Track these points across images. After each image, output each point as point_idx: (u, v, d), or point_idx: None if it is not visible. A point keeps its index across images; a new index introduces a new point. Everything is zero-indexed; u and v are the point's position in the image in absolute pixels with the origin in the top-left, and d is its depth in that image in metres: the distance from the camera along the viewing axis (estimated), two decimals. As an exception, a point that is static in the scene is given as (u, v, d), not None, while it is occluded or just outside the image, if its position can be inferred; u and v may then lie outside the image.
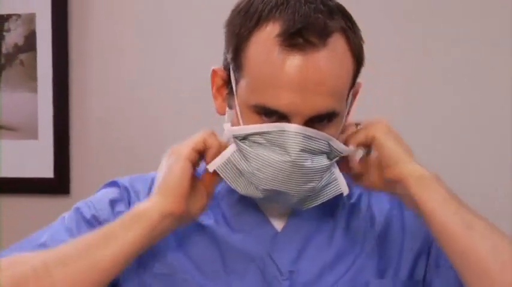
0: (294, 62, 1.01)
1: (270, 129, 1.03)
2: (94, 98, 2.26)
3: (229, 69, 1.10)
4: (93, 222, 1.15)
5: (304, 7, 1.03)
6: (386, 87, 2.06)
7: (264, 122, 1.05)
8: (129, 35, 2.23)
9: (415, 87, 2.06)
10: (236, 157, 1.07)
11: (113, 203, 1.17)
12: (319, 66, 1.02)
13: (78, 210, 1.17)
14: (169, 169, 1.07)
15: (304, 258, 1.14)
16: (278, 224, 1.16)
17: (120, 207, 1.17)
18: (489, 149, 2.02)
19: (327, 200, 1.14)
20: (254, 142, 1.05)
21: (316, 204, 1.11)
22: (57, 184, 2.28)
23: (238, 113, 1.08)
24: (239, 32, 1.06)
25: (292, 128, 1.03)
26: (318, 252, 1.14)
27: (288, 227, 1.15)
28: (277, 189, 1.05)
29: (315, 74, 1.02)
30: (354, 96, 1.14)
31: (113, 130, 2.25)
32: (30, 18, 2.27)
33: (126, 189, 1.19)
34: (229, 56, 1.09)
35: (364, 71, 1.13)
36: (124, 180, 1.21)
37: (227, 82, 1.12)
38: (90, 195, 2.15)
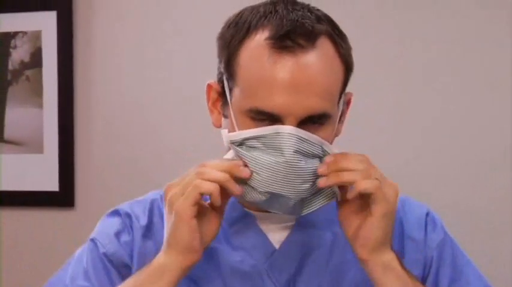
0: (284, 63, 1.04)
1: (265, 133, 1.04)
2: (98, 113, 2.29)
3: (223, 80, 1.12)
4: (104, 259, 1.17)
5: (291, 14, 1.06)
6: (368, 91, 2.10)
7: (258, 126, 1.06)
8: (133, 51, 2.27)
9: (401, 90, 2.08)
10: None
11: (118, 235, 1.19)
12: (309, 67, 1.04)
13: (90, 251, 1.19)
14: (177, 227, 1.05)
15: (303, 275, 1.14)
16: (277, 242, 1.17)
17: (125, 237, 1.19)
18: (487, 149, 2.04)
19: (326, 216, 1.16)
20: (251, 147, 1.05)
21: (314, 209, 1.10)
22: (62, 197, 2.32)
23: (233, 120, 1.09)
24: (230, 42, 1.09)
25: (287, 129, 1.03)
26: (317, 269, 1.15)
27: (286, 244, 1.16)
28: (275, 191, 1.05)
29: (305, 75, 1.04)
30: (347, 104, 1.16)
31: (117, 144, 2.28)
32: (36, 36, 2.31)
33: (127, 215, 1.21)
34: (222, 67, 1.11)
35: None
36: (124, 206, 1.23)
37: (221, 94, 1.13)
38: (94, 208, 2.21)
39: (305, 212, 1.10)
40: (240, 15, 1.11)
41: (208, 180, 1.04)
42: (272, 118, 1.05)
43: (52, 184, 2.32)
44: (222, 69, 1.11)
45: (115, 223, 1.20)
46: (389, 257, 1.07)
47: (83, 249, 1.21)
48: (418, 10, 2.07)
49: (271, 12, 1.08)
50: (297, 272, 1.14)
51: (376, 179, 1.04)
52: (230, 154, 1.09)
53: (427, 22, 2.07)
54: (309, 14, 1.08)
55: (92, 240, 1.20)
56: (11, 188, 2.35)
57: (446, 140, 2.06)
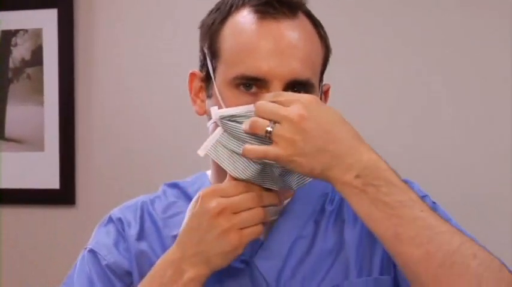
0: (268, 28, 1.07)
1: (253, 109, 1.03)
2: (99, 111, 2.30)
3: (206, 64, 1.13)
4: (107, 271, 1.17)
5: None
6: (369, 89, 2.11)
7: (244, 95, 1.07)
8: (134, 49, 2.27)
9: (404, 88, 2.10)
10: (225, 137, 1.07)
11: (116, 244, 1.19)
12: (293, 32, 1.08)
13: (93, 264, 1.18)
14: (226, 255, 1.05)
15: (289, 266, 1.14)
16: (263, 235, 1.14)
17: (122, 245, 1.19)
18: (489, 148, 2.05)
19: (309, 207, 1.16)
20: (240, 123, 1.06)
21: (305, 182, 1.07)
22: (63, 195, 2.32)
23: (218, 97, 1.09)
24: (212, 24, 1.12)
25: None
26: (300, 259, 1.15)
27: (272, 237, 1.15)
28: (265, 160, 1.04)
29: (288, 39, 1.07)
30: (325, 95, 1.17)
31: (118, 142, 2.29)
32: (37, 33, 2.32)
33: (119, 220, 1.21)
34: (205, 47, 1.14)
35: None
36: (116, 212, 1.22)
37: (205, 80, 1.14)
38: (95, 206, 2.21)
39: (295, 186, 1.09)
40: (220, 2, 1.15)
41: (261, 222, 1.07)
42: (258, 83, 1.06)
43: (53, 182, 2.33)
44: (206, 50, 1.13)
45: (111, 231, 1.20)
46: (346, 174, 0.99)
47: (82, 259, 1.20)
48: (415, 8, 2.08)
49: None
50: (284, 264, 1.14)
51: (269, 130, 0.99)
52: (219, 131, 1.08)
53: (424, 19, 2.08)
54: None
55: (92, 251, 1.19)
56: (12, 186, 2.35)
57: (447, 137, 2.07)
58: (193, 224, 1.06)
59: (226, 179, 1.08)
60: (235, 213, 1.04)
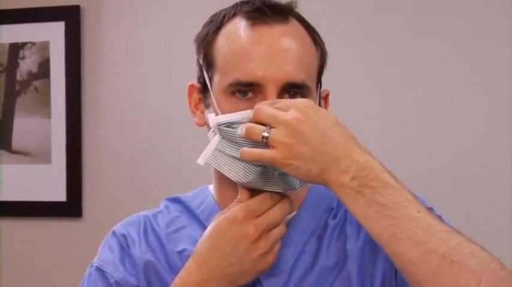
0: (260, 33, 1.09)
1: (249, 115, 1.04)
2: (106, 124, 2.30)
3: (202, 76, 1.14)
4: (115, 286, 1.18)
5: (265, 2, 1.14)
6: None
7: (240, 101, 1.08)
8: (141, 61, 2.28)
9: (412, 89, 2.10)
10: (224, 144, 1.08)
11: (122, 260, 1.19)
12: (285, 36, 1.09)
13: (101, 282, 1.18)
14: (260, 270, 1.09)
15: (293, 281, 1.14)
16: None
17: (128, 260, 1.19)
18: (488, 148, 2.05)
19: (313, 223, 1.16)
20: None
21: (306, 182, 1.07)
22: (70, 207, 2.32)
23: (216, 105, 1.11)
24: (206, 36, 1.14)
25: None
26: (304, 274, 1.14)
27: (279, 252, 1.13)
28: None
29: (281, 42, 1.09)
30: (325, 101, 1.18)
31: (125, 154, 2.29)
32: (45, 46, 2.32)
33: (123, 236, 1.21)
34: (200, 59, 1.15)
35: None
36: (119, 228, 1.22)
37: (202, 91, 1.16)
38: (101, 218, 2.21)
39: (298, 186, 1.09)
40: (213, 15, 1.17)
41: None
42: (253, 89, 1.08)
43: (60, 194, 2.33)
44: (201, 61, 1.15)
45: (116, 247, 1.20)
46: (341, 176, 1.00)
47: (89, 277, 1.19)
48: (414, 6, 2.09)
49: (243, 2, 1.14)
50: (288, 279, 1.14)
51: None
52: (217, 138, 1.08)
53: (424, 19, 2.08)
54: (279, 2, 1.15)
55: (99, 269, 1.19)
56: (19, 198, 2.36)
57: (446, 140, 2.07)
58: (227, 247, 1.07)
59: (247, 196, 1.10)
60: (269, 231, 1.07)
